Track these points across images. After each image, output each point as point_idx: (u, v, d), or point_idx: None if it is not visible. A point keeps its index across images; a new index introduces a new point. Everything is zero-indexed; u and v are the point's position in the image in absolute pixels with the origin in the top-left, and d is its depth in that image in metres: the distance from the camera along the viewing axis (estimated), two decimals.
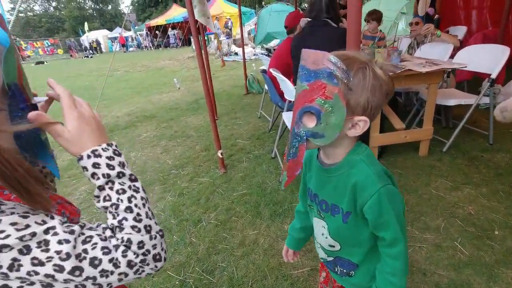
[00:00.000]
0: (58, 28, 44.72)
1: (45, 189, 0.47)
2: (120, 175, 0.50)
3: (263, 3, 23.34)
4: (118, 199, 0.49)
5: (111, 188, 0.49)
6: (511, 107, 0.26)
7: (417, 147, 2.53)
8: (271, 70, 2.41)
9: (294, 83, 2.31)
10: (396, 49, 2.52)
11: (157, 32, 21.93)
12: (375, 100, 0.60)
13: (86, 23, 27.98)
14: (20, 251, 0.39)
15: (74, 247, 0.42)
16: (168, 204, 2.23)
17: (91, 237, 0.45)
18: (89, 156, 0.48)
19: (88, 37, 26.83)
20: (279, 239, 1.77)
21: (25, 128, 0.44)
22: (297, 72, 0.62)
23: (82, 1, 46.35)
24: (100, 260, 0.43)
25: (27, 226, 0.40)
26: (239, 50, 11.24)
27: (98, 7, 47.08)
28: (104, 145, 0.50)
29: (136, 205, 0.50)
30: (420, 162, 2.41)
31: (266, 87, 3.51)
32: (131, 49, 24.77)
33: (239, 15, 5.29)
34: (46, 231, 0.41)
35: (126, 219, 0.48)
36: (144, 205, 0.51)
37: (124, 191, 0.50)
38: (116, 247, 0.46)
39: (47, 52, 27.28)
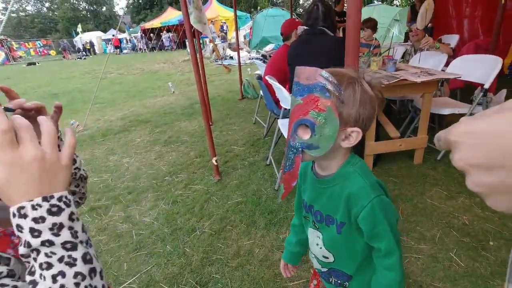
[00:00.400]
0: (51, 29, 44.26)
1: None
2: (46, 244, 0.38)
3: (258, 7, 23.48)
4: (40, 275, 0.38)
5: (35, 259, 0.38)
6: (444, 138, 0.26)
7: (411, 155, 2.54)
8: (266, 77, 2.40)
9: (290, 90, 2.30)
10: (391, 58, 2.54)
11: (151, 34, 21.87)
12: (365, 113, 0.63)
13: (79, 25, 27.71)
14: None
15: None
16: (162, 212, 2.19)
17: None
18: (14, 215, 0.37)
19: (81, 38, 26.59)
20: (274, 249, 1.74)
21: None
22: (293, 80, 0.63)
23: (76, 2, 45.96)
24: None
25: None
26: (234, 54, 11.25)
27: (92, 8, 46.77)
28: (37, 200, 0.37)
29: (62, 286, 0.38)
30: (415, 171, 2.42)
31: (261, 92, 3.50)
32: (125, 51, 24.63)
33: (235, 19, 5.29)
34: None
35: None
36: (78, 284, 0.39)
37: (49, 266, 0.38)
38: None
39: (39, 53, 26.93)
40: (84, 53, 24.37)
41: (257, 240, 1.83)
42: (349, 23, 1.30)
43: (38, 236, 0.37)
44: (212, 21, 15.87)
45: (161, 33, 21.36)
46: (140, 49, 23.60)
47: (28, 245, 0.37)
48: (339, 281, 0.82)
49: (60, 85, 8.99)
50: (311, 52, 2.16)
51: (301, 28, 2.28)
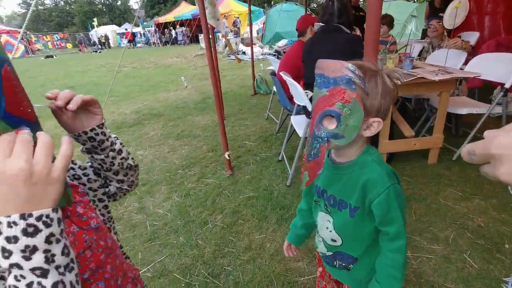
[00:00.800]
0: (68, 23, 45.09)
1: None
2: (15, 267, 0.35)
3: (272, 2, 23.27)
4: None
5: (5, 279, 0.37)
6: (479, 152, 0.25)
7: (426, 154, 2.51)
8: (281, 73, 2.40)
9: (304, 87, 2.30)
10: (408, 55, 2.49)
11: (165, 29, 22.03)
12: (386, 103, 0.68)
13: (95, 18, 28.13)
14: None
15: None
16: (175, 204, 2.24)
17: None
18: None
19: (97, 32, 27.02)
20: None
21: None
22: (308, 76, 0.66)
23: None
24: None
25: None
26: (247, 49, 11.23)
27: (107, 2, 47.36)
28: (14, 218, 0.35)
29: None
30: (429, 171, 2.39)
31: (274, 88, 3.50)
32: (139, 45, 24.89)
33: (249, 13, 5.28)
34: None
35: None
36: None
37: None
38: None
39: (57, 46, 27.55)
40: (99, 46, 24.77)
41: (268, 234, 1.85)
42: (369, 19, 1.29)
43: (8, 258, 0.35)
44: (225, 15, 15.86)
45: (171, 27, 21.46)
46: (154, 43, 23.82)
47: None
48: (343, 264, 0.86)
49: (76, 78, 9.20)
50: (325, 49, 2.15)
51: (317, 25, 2.27)
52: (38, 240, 0.36)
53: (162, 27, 22.43)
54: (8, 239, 0.35)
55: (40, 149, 0.38)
